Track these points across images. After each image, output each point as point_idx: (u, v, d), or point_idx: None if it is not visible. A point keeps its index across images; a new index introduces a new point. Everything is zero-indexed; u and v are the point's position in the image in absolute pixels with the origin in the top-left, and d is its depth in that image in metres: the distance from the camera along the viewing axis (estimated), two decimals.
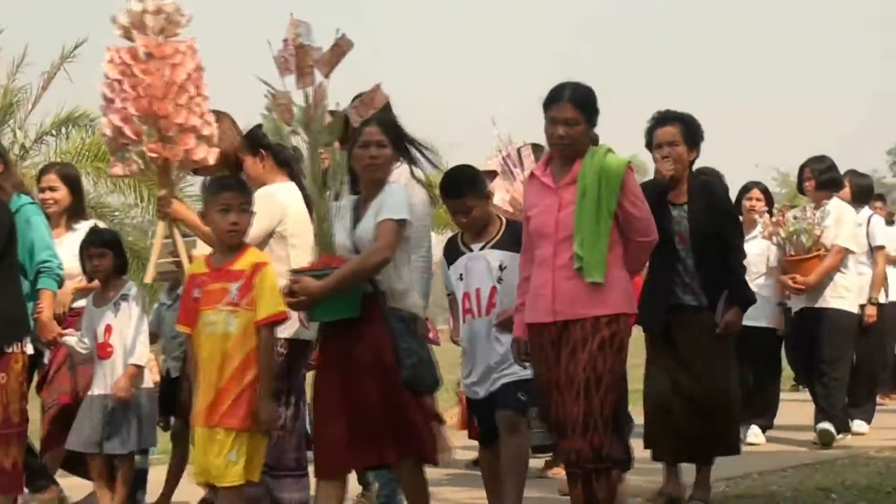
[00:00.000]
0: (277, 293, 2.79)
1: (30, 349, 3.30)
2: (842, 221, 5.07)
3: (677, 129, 3.55)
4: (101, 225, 4.42)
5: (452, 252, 3.36)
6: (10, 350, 3.07)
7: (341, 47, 2.87)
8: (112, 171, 3.51)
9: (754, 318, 4.37)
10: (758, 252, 5.06)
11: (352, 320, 2.73)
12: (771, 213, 5.31)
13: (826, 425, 4.90)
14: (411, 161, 3.24)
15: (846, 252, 5.03)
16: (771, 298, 5.23)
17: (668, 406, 3.51)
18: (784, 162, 22.44)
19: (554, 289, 2.82)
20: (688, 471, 3.62)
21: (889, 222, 6.69)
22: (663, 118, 3.62)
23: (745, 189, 5.47)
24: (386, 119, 2.97)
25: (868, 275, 5.48)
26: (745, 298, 3.61)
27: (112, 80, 3.05)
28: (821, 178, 5.18)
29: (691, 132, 3.58)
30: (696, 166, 3.76)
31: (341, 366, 2.77)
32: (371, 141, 2.82)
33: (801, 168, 5.34)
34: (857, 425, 5.41)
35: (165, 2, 3.05)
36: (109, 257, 3.65)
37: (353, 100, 3.00)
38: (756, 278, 4.94)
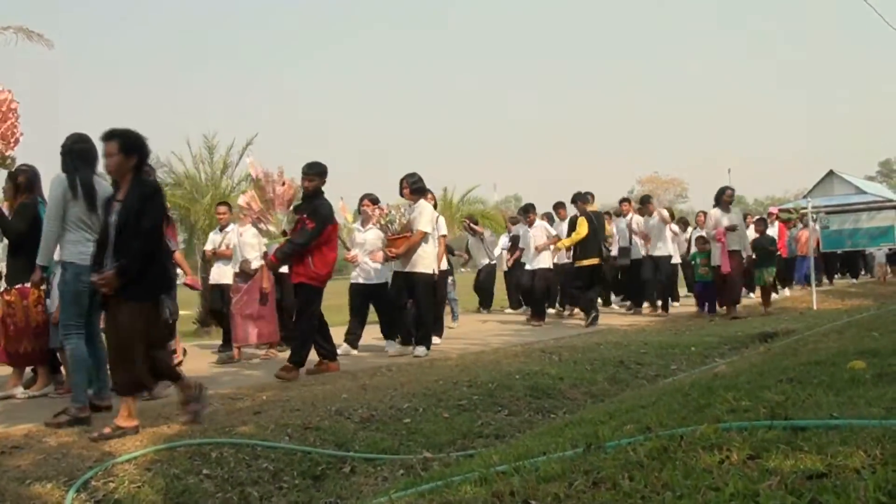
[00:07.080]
0: None
1: None
2: (423, 214, 7.32)
3: (116, 143, 4.08)
4: None
5: None
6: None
7: None
8: None
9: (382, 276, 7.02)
10: (373, 237, 7.52)
11: None
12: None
13: (421, 349, 7.30)
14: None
15: (424, 234, 7.29)
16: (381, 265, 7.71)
17: None
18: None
19: None
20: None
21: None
22: (108, 135, 4.12)
23: (361, 199, 7.77)
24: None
25: (433, 248, 7.67)
26: (125, 271, 4.00)
27: None
28: (413, 186, 7.48)
29: (128, 144, 4.12)
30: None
31: None
32: None
33: (401, 180, 7.49)
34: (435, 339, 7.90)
35: None
36: None
37: None
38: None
